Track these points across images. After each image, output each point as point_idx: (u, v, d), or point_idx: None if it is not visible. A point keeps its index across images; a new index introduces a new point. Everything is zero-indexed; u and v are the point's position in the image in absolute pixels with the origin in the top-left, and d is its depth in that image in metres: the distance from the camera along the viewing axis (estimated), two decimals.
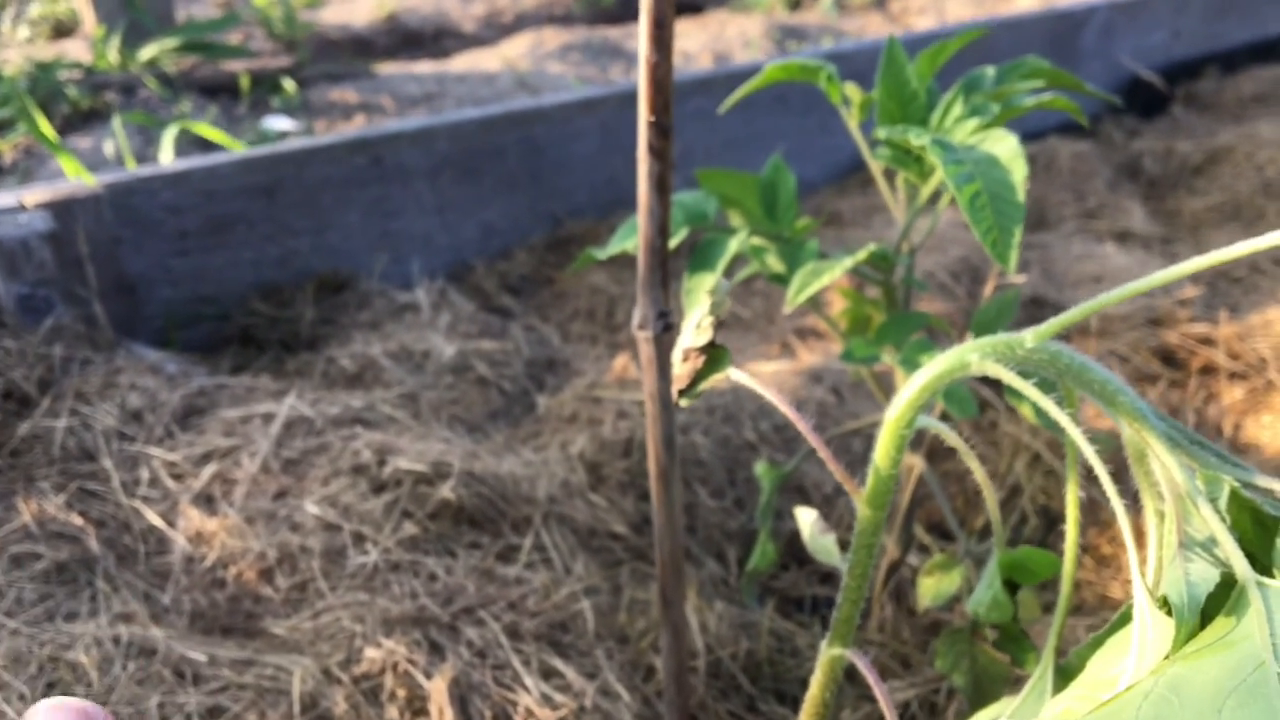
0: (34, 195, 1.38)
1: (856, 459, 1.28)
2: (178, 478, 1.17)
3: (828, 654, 0.61)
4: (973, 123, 0.79)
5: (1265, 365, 1.38)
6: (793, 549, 1.20)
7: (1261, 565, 0.39)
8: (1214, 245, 1.76)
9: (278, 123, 2.64)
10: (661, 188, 0.64)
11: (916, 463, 0.98)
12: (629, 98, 1.87)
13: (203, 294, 1.54)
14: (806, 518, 0.76)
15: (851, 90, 0.90)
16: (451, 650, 0.96)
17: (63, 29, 3.72)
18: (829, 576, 1.18)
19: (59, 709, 0.40)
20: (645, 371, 0.69)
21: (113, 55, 2.92)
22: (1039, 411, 0.83)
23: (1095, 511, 1.18)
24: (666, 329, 0.67)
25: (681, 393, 0.58)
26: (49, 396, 1.24)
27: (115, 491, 1.14)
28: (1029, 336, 0.43)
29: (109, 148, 2.34)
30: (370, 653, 0.95)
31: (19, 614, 0.98)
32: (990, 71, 0.87)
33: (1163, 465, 0.41)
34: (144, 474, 1.17)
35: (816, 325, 1.56)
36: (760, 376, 1.40)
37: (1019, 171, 0.71)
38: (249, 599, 1.06)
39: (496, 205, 1.77)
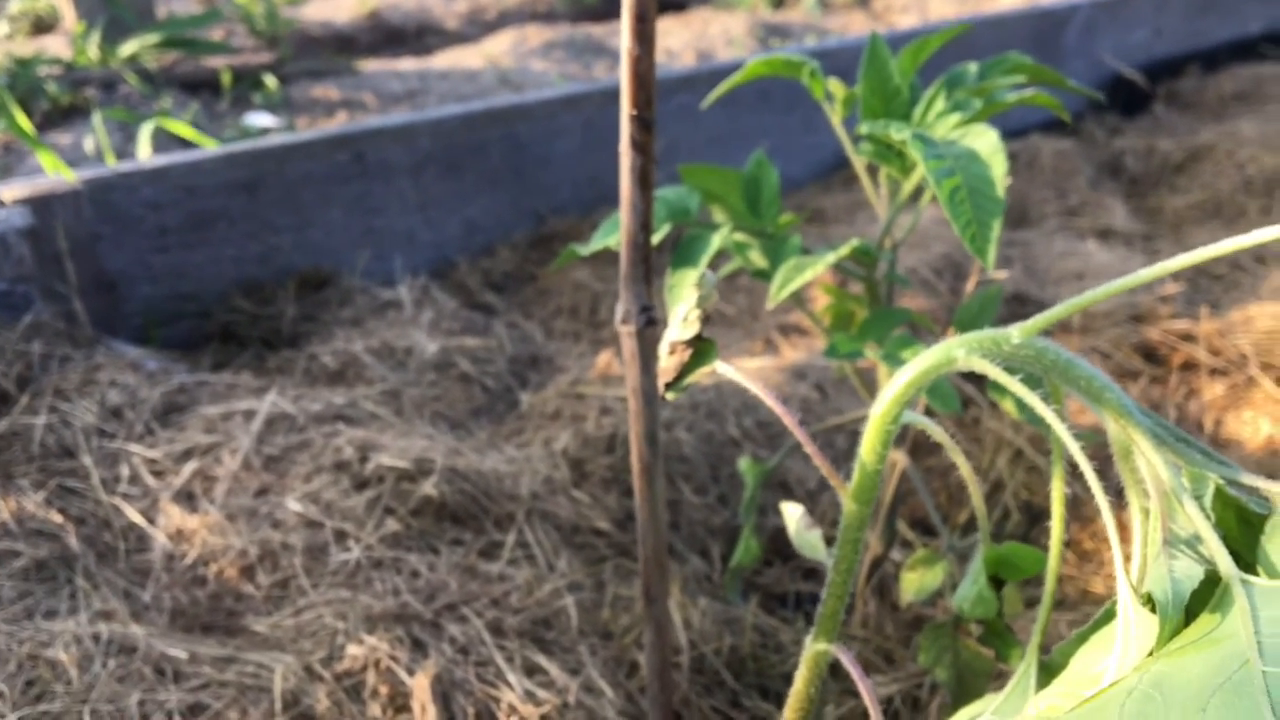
0: (12, 191, 1.37)
1: (840, 454, 1.28)
2: (158, 475, 1.16)
3: (813, 649, 0.61)
4: (954, 118, 0.79)
5: (1246, 361, 1.39)
6: (776, 545, 1.20)
7: (1246, 563, 0.39)
8: (1195, 242, 1.77)
9: (259, 119, 2.62)
10: (644, 182, 0.63)
11: (900, 459, 0.98)
12: (612, 94, 1.87)
13: (183, 291, 1.54)
14: (792, 513, 0.76)
15: (835, 86, 0.90)
16: (434, 647, 0.96)
17: (42, 25, 3.70)
18: (812, 572, 1.18)
19: None
20: (628, 366, 0.68)
21: (93, 51, 2.90)
22: (1023, 407, 0.83)
23: (1078, 507, 1.18)
24: (650, 324, 0.67)
25: (668, 386, 0.58)
26: (28, 393, 1.23)
27: (95, 489, 1.13)
28: (1015, 332, 0.43)
29: (89, 144, 2.32)
30: (352, 650, 0.94)
31: None
32: (973, 68, 0.88)
33: (1148, 462, 0.41)
34: (124, 471, 1.16)
35: (799, 322, 1.56)
36: (744, 373, 1.40)
37: (999, 166, 0.71)
38: (230, 596, 1.05)
39: (479, 202, 1.77)
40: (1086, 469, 0.43)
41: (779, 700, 1.02)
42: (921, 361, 0.46)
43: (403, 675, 0.92)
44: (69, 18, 3.09)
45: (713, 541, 1.18)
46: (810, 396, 1.32)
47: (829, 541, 1.20)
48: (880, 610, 1.09)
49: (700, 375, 0.58)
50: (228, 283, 1.57)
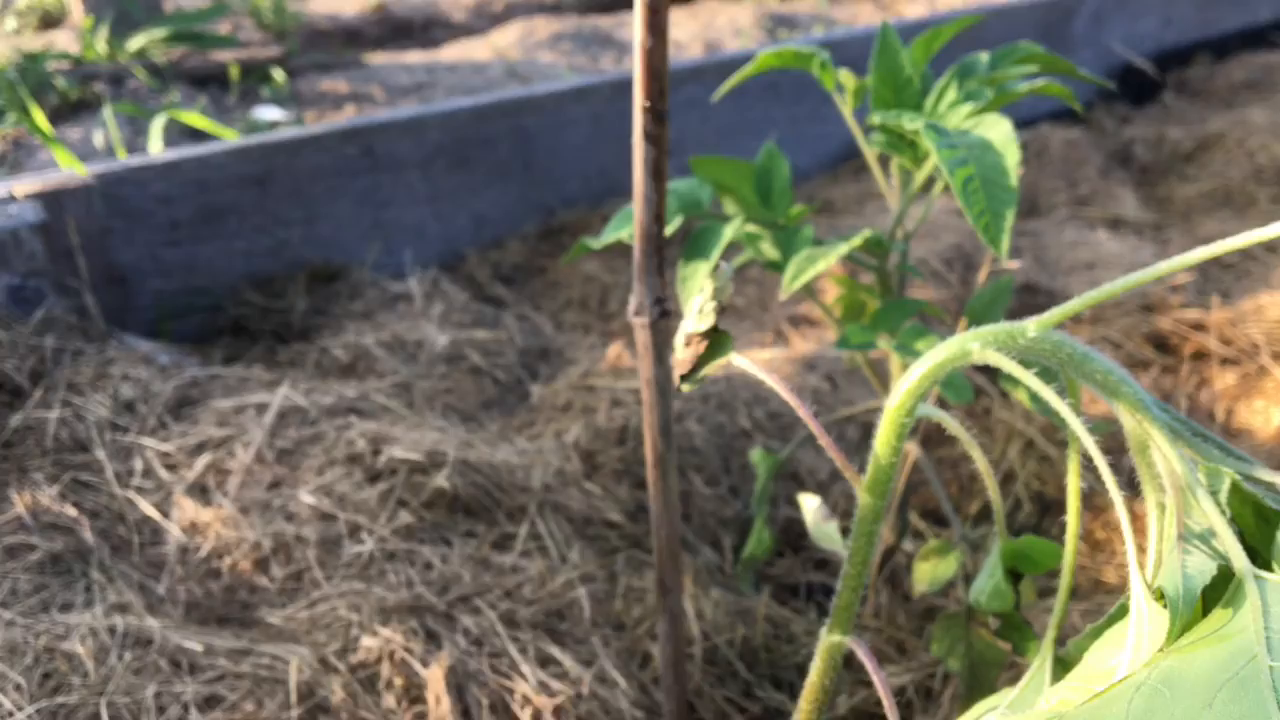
0: (24, 186, 1.37)
1: (852, 446, 1.28)
2: (171, 468, 1.16)
3: (827, 640, 0.61)
4: (966, 108, 0.79)
5: (1257, 350, 1.39)
6: (788, 536, 1.20)
7: (1262, 559, 0.39)
8: (1205, 232, 1.77)
9: (268, 113, 2.63)
10: (657, 174, 0.63)
11: (912, 449, 0.98)
12: (621, 86, 1.87)
13: (194, 285, 1.54)
14: (809, 505, 0.76)
15: (845, 77, 0.90)
16: (448, 639, 0.96)
17: (50, 20, 3.70)
18: (824, 563, 1.18)
19: None
20: (641, 358, 0.69)
21: (101, 46, 2.90)
22: (1037, 399, 0.83)
23: (1091, 497, 1.18)
24: (663, 315, 0.67)
25: (683, 378, 0.58)
26: (41, 388, 1.23)
27: (109, 482, 1.14)
28: (1031, 326, 0.43)
29: (98, 138, 2.33)
30: (367, 641, 0.95)
31: (14, 605, 0.97)
32: (984, 57, 0.87)
33: (1164, 457, 0.41)
34: (137, 464, 1.16)
35: (810, 313, 1.56)
36: (754, 363, 1.40)
37: (1012, 156, 0.71)
38: (244, 589, 1.06)
39: (488, 195, 1.77)
40: (1103, 466, 0.43)
41: (792, 690, 1.02)
42: (936, 355, 0.46)
43: (417, 667, 0.93)
44: (76, 12, 3.10)
45: (724, 533, 1.18)
46: (821, 388, 1.32)
47: (843, 532, 1.21)
48: (892, 600, 1.09)
49: (716, 368, 0.58)
50: (238, 276, 1.57)
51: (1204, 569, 0.39)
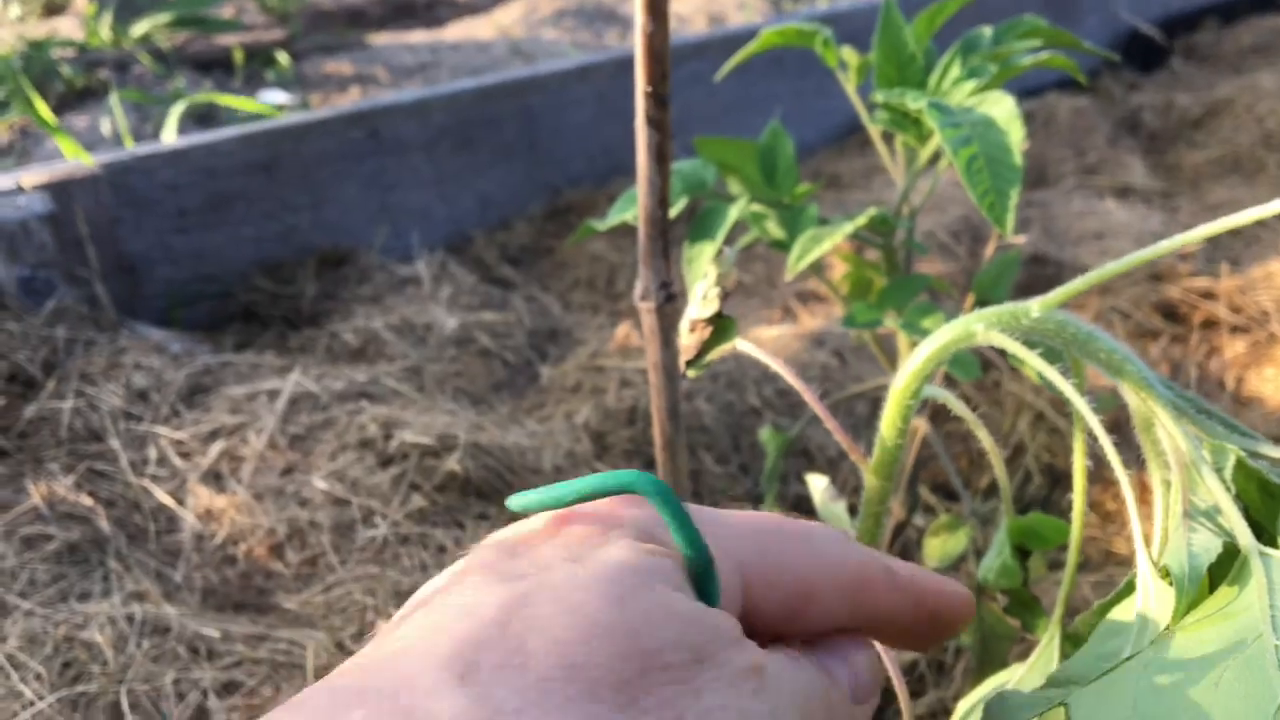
0: (32, 177, 1.38)
1: (860, 422, 1.28)
2: (185, 456, 1.17)
3: None
4: (970, 84, 0.79)
5: (1267, 318, 1.38)
6: (800, 513, 1.21)
7: (1268, 535, 0.40)
8: (1214, 199, 1.76)
9: (273, 96, 2.63)
10: (660, 158, 0.63)
11: (920, 425, 0.98)
12: (624, 64, 1.86)
13: (204, 272, 1.55)
14: (818, 484, 0.76)
15: (848, 54, 0.90)
16: None
17: (54, 6, 3.70)
18: None
19: None
20: (649, 342, 0.69)
21: (105, 32, 2.90)
22: (1044, 377, 0.83)
23: (1099, 468, 1.18)
24: (669, 299, 0.67)
25: (689, 364, 0.58)
26: (54, 378, 1.24)
27: (124, 471, 1.15)
28: (1035, 306, 0.43)
29: (105, 126, 2.33)
30: (382, 625, 0.95)
31: (33, 595, 0.99)
32: (987, 32, 0.87)
33: (1169, 434, 0.41)
34: (152, 453, 1.17)
35: (818, 289, 1.56)
36: (762, 341, 1.40)
37: (1016, 134, 0.71)
38: (260, 575, 1.07)
39: (494, 176, 1.77)
40: (1108, 445, 0.43)
41: None
42: (940, 337, 0.46)
43: None
44: None
45: None
46: (830, 364, 1.33)
47: (852, 510, 1.21)
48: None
49: (721, 353, 0.58)
50: (248, 263, 1.58)
51: (1209, 546, 0.39)
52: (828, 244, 0.82)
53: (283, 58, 2.80)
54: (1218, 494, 0.39)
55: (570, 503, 0.35)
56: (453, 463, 1.12)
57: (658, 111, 0.62)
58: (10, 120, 2.33)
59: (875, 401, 1.29)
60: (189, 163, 1.50)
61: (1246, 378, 1.33)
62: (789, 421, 1.26)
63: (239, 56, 2.79)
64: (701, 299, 0.57)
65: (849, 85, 0.91)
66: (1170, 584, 0.39)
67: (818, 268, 0.91)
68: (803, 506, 1.21)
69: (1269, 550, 0.38)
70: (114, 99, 2.11)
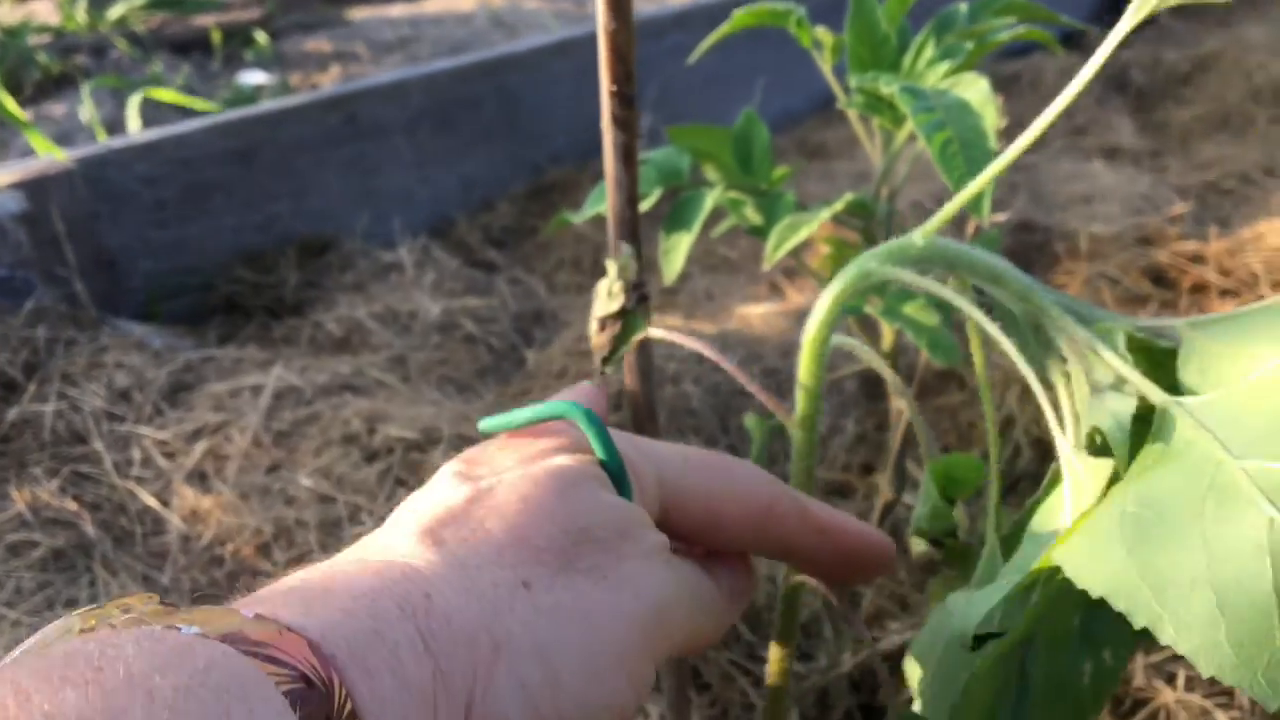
0: (4, 175, 1.36)
1: (850, 400, 1.27)
2: (169, 456, 1.16)
3: (790, 583, 0.61)
4: (944, 66, 0.78)
5: (1257, 280, 1.37)
6: None
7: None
8: (1204, 157, 1.75)
9: (252, 77, 2.60)
10: (628, 158, 0.62)
11: (903, 408, 0.98)
12: None
13: (184, 264, 1.53)
14: None
15: (822, 34, 0.88)
16: None
17: None
18: None
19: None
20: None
21: (81, 16, 2.87)
22: (940, 306, 0.82)
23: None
24: (641, 300, 0.66)
25: (604, 360, 0.59)
26: (35, 380, 1.23)
27: (108, 473, 1.14)
28: (919, 236, 0.47)
29: (84, 113, 2.31)
30: None
31: (19, 604, 0.98)
32: (963, 8, 0.85)
33: (1059, 327, 0.43)
34: (136, 454, 1.16)
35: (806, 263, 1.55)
36: (748, 319, 1.39)
37: (990, 117, 0.70)
38: (248, 574, 1.06)
39: (475, 156, 1.75)
40: (1005, 343, 0.44)
41: (799, 651, 1.03)
42: (841, 279, 0.49)
43: None
44: None
45: None
46: None
47: (843, 488, 1.21)
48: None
49: (634, 344, 0.59)
50: (228, 253, 1.56)
51: (1125, 406, 0.40)
52: (805, 231, 0.81)
53: (261, 37, 2.77)
54: (1117, 366, 0.41)
55: (522, 425, 0.45)
56: (438, 456, 1.11)
57: (623, 111, 0.61)
58: None
59: (864, 380, 1.29)
60: (164, 154, 1.48)
61: None
62: (778, 400, 1.25)
63: (217, 37, 2.76)
64: (606, 296, 0.57)
65: (824, 65, 0.89)
66: (1096, 453, 0.40)
67: (798, 252, 0.90)
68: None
69: (1182, 399, 0.38)
70: (85, 92, 2.08)
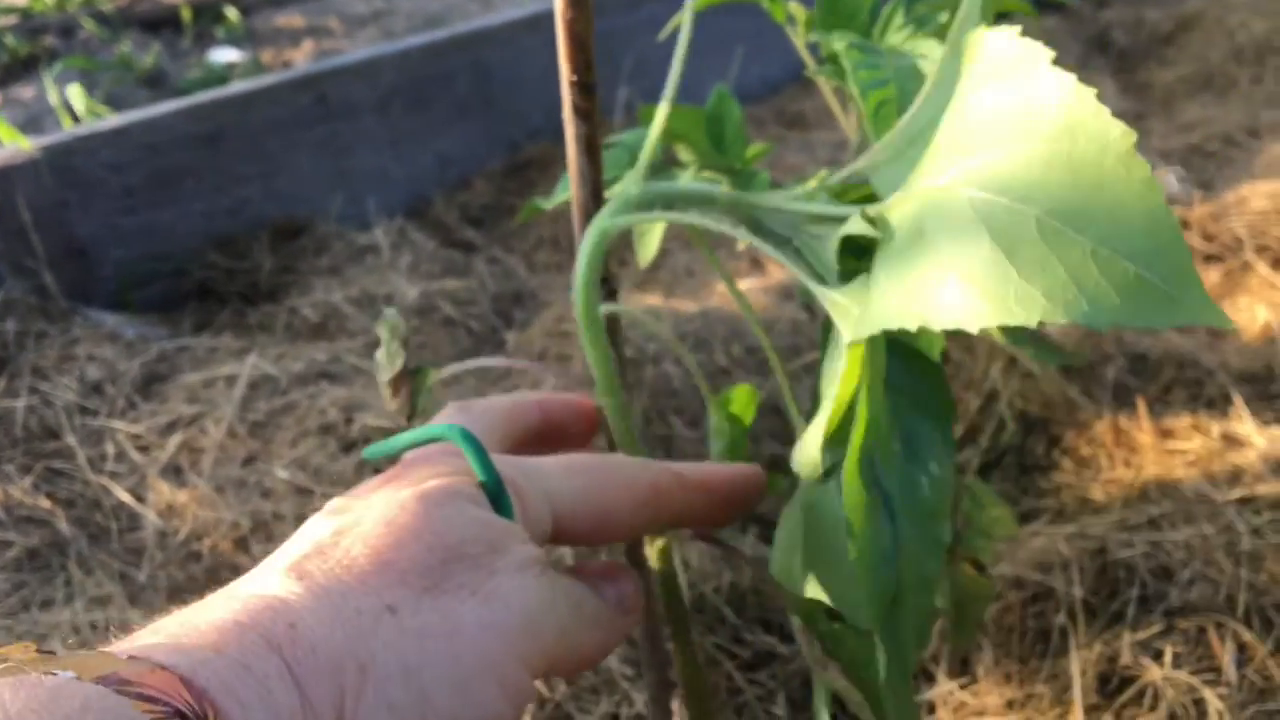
0: None
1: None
2: (143, 450, 1.15)
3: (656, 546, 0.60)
4: (906, 32, 0.76)
5: (1241, 245, 1.36)
6: (775, 472, 1.19)
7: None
8: (1187, 118, 1.73)
9: (224, 54, 2.56)
10: (590, 149, 0.61)
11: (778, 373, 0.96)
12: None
13: (156, 251, 1.51)
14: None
15: (795, 8, 0.86)
16: None
17: None
18: None
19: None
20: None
21: None
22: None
23: (1073, 412, 1.17)
24: (610, 295, 0.64)
25: (409, 419, 0.59)
26: (5, 375, 1.21)
27: (82, 469, 1.13)
28: (632, 184, 0.54)
29: (54, 95, 2.27)
30: None
31: None
32: None
33: (769, 211, 0.50)
34: (109, 449, 1.15)
35: None
36: (729, 296, 1.37)
37: None
38: (226, 569, 1.05)
39: (450, 134, 1.73)
40: (742, 235, 0.49)
41: (781, 633, 1.02)
42: (586, 241, 0.53)
43: None
44: None
45: None
46: (798, 318, 1.30)
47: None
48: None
49: (429, 396, 0.60)
50: (200, 239, 1.54)
51: (851, 227, 0.43)
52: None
53: (232, 13, 2.73)
54: (827, 209, 0.47)
55: (404, 448, 0.47)
56: None
57: (584, 101, 0.59)
58: None
59: None
60: (131, 140, 1.45)
61: (1221, 309, 1.31)
62: (760, 379, 1.24)
63: (187, 14, 2.71)
64: (386, 361, 0.58)
65: (798, 40, 0.87)
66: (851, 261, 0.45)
67: None
68: (778, 466, 1.20)
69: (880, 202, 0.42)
70: (48, 81, 2.04)
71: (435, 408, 0.56)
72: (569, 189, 0.86)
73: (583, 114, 0.59)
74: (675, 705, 0.80)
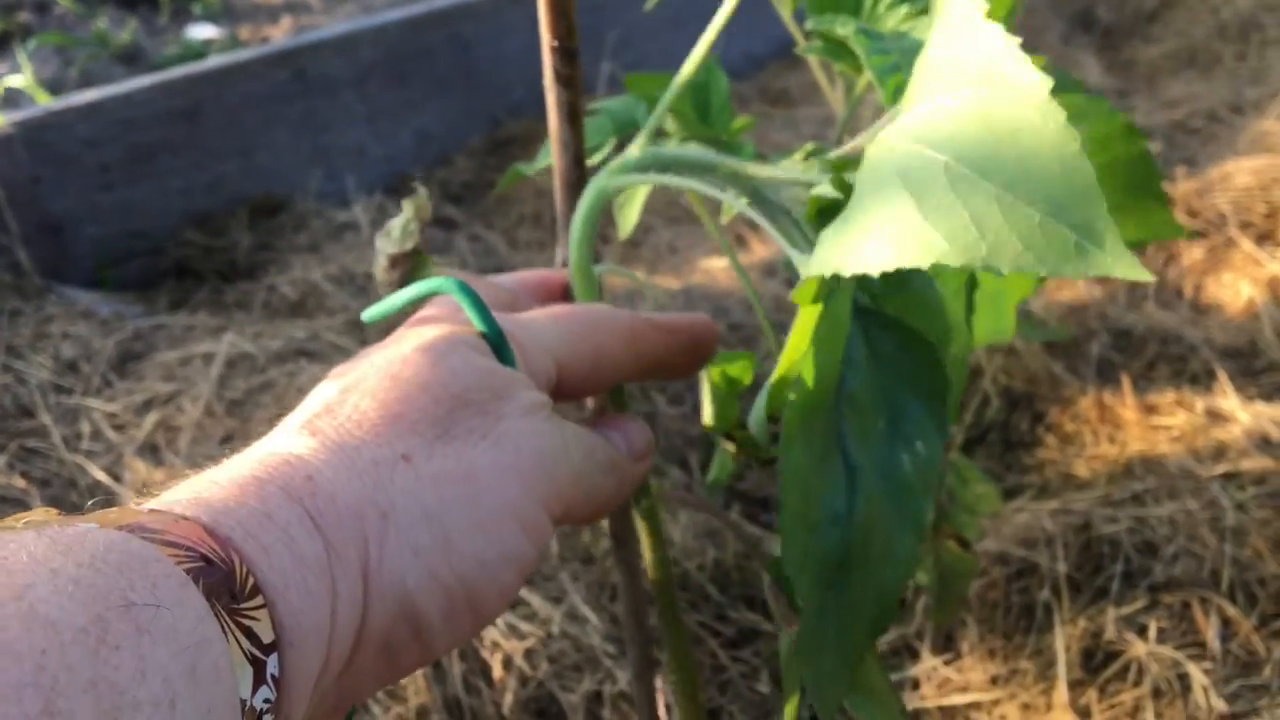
0: None
1: None
2: (120, 428, 1.13)
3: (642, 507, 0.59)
4: (904, 9, 0.75)
5: (1225, 221, 1.36)
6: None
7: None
8: (1171, 95, 1.73)
9: (201, 31, 2.53)
10: (572, 116, 0.59)
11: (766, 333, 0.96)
12: None
13: (132, 228, 1.49)
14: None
15: None
16: None
17: None
18: None
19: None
20: None
21: None
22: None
23: (1058, 388, 1.17)
24: (594, 263, 0.63)
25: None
26: None
27: (57, 448, 1.11)
28: (634, 148, 0.54)
29: (29, 72, 2.23)
30: None
31: None
32: None
33: (765, 182, 0.49)
34: (85, 427, 1.13)
35: None
36: (711, 272, 1.36)
37: None
38: None
39: (430, 109, 1.71)
40: (754, 214, 0.48)
41: (765, 610, 1.01)
42: (585, 199, 0.54)
43: None
44: None
45: (691, 451, 1.17)
46: (781, 294, 1.29)
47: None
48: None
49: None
50: (177, 216, 1.52)
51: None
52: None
53: None
54: (814, 177, 0.47)
55: (402, 305, 0.46)
56: None
57: (566, 67, 0.58)
58: None
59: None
60: (106, 115, 1.43)
61: (1204, 284, 1.31)
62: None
63: None
64: (401, 234, 0.55)
65: (784, 11, 0.86)
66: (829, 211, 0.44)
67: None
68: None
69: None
70: (22, 57, 2.01)
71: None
72: (550, 156, 0.84)
73: (564, 80, 0.58)
74: (659, 682, 0.79)
